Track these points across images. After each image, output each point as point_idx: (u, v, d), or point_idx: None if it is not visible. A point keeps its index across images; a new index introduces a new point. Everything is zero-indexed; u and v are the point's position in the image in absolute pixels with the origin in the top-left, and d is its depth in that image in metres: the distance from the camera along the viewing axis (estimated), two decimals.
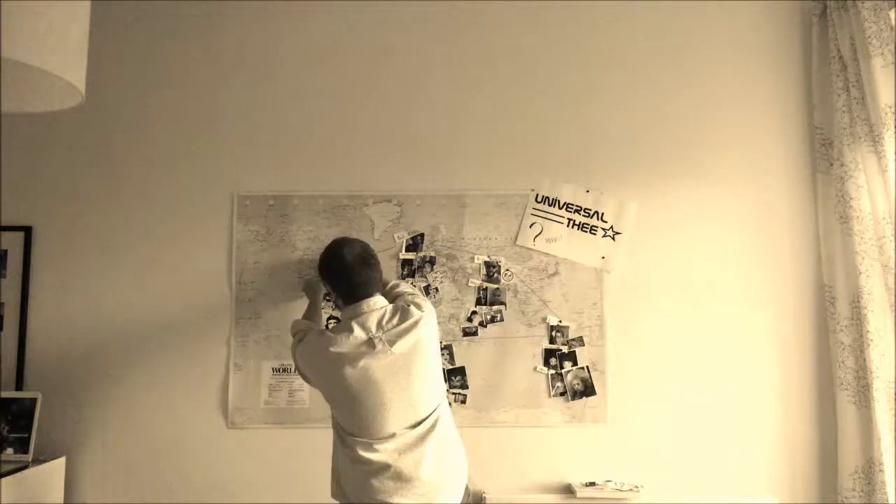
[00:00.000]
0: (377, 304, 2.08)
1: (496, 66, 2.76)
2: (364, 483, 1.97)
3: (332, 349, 1.99)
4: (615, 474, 2.55)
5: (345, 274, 2.10)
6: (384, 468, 1.95)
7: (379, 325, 2.02)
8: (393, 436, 1.98)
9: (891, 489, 2.38)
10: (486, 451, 2.58)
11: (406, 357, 1.99)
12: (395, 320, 2.04)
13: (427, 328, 2.06)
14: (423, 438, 1.99)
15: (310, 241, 2.67)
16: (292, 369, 2.61)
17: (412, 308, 2.06)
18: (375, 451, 1.96)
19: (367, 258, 2.15)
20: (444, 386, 2.16)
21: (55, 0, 1.27)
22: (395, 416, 1.98)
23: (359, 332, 2.00)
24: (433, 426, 2.02)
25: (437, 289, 2.65)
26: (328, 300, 2.52)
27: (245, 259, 2.66)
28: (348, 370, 1.96)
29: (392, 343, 1.99)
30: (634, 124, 2.74)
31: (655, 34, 2.78)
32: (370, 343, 1.99)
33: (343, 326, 2.05)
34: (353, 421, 2.02)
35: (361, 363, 1.96)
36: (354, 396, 1.98)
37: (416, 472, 1.95)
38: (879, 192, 2.47)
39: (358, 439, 1.99)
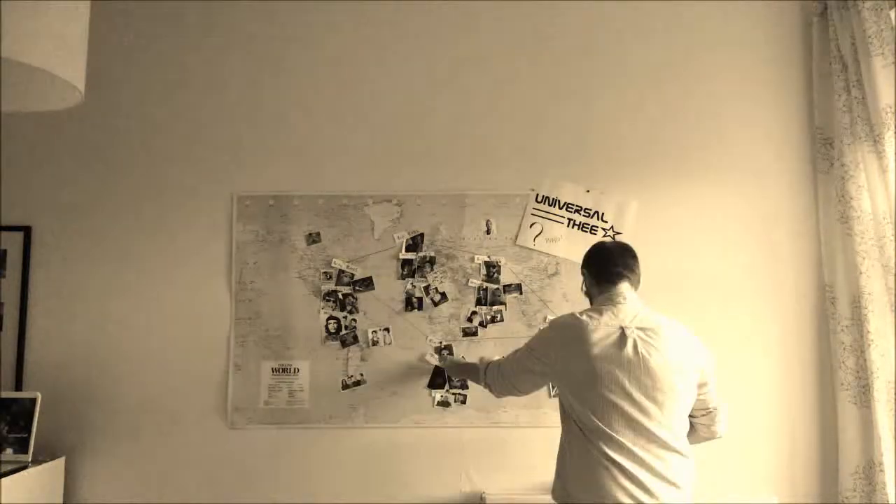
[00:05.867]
0: (632, 297, 1.96)
1: (496, 66, 2.76)
2: (589, 479, 1.82)
3: (588, 330, 1.86)
4: None
5: (605, 256, 2.04)
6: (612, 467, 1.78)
7: (634, 317, 1.90)
8: (621, 445, 1.79)
9: (891, 489, 2.37)
10: (486, 451, 2.58)
11: (653, 361, 1.83)
12: (649, 318, 1.91)
13: (680, 346, 1.88)
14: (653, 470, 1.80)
15: (310, 240, 2.67)
16: (293, 369, 2.62)
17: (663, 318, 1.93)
18: (605, 449, 1.80)
19: (629, 249, 2.07)
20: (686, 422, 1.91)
21: (55, 0, 1.26)
22: (628, 422, 1.81)
23: (611, 319, 1.89)
24: (669, 464, 1.81)
25: (436, 289, 2.65)
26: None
27: (245, 259, 2.66)
28: (596, 355, 1.83)
29: (644, 340, 1.85)
30: (634, 124, 2.74)
31: (655, 34, 2.78)
32: (622, 334, 1.85)
33: (596, 311, 1.94)
34: (587, 412, 1.84)
35: (610, 352, 1.83)
36: (593, 384, 1.83)
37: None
38: (880, 192, 2.47)
39: (591, 433, 1.83)
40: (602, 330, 1.87)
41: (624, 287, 1.98)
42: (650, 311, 1.94)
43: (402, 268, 2.66)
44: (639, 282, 2.06)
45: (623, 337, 1.85)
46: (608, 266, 2.02)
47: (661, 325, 1.90)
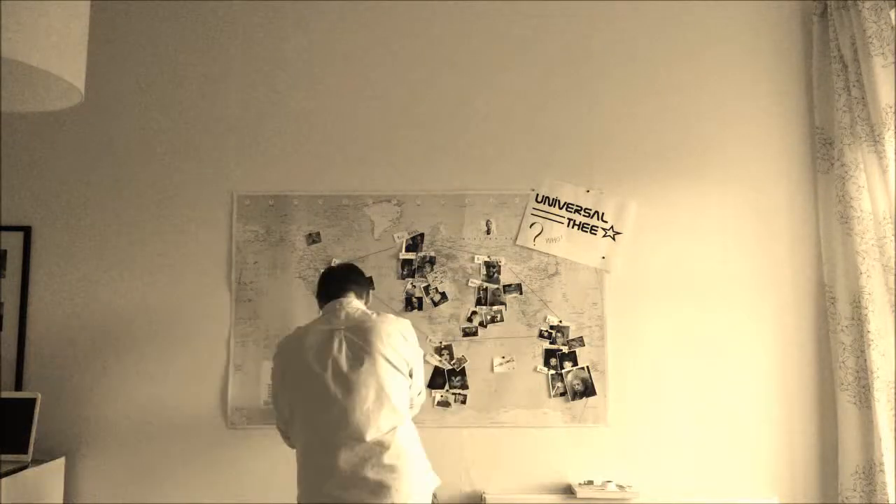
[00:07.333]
0: (349, 304, 2.09)
1: (497, 66, 2.76)
2: (318, 487, 1.95)
3: (300, 339, 2.02)
4: (615, 474, 2.54)
5: (323, 281, 2.23)
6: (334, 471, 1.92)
7: (346, 318, 2.04)
8: (344, 441, 1.93)
9: (891, 489, 2.37)
10: (486, 451, 2.58)
11: (358, 358, 1.96)
12: (358, 318, 2.04)
13: (383, 335, 2.00)
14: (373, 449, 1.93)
15: (310, 240, 2.67)
16: None
17: (374, 314, 2.07)
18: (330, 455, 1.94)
19: (350, 270, 2.24)
20: (407, 404, 2.08)
21: (55, 0, 1.26)
22: (347, 418, 1.93)
23: (323, 325, 2.04)
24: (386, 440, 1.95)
25: (436, 289, 2.65)
26: None
27: (245, 259, 2.66)
28: (309, 358, 1.97)
29: (350, 339, 1.98)
30: (635, 124, 2.74)
31: (656, 35, 2.78)
32: (330, 334, 2.00)
33: (313, 321, 2.12)
34: (307, 418, 1.99)
35: (318, 352, 1.97)
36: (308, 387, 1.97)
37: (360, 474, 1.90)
38: (880, 193, 2.47)
39: (313, 438, 1.98)
40: (314, 332, 2.04)
41: (342, 298, 2.13)
42: (362, 311, 2.10)
43: (402, 268, 2.66)
44: (362, 289, 2.25)
45: (331, 335, 2.01)
46: (325, 287, 2.22)
47: (362, 322, 2.05)
